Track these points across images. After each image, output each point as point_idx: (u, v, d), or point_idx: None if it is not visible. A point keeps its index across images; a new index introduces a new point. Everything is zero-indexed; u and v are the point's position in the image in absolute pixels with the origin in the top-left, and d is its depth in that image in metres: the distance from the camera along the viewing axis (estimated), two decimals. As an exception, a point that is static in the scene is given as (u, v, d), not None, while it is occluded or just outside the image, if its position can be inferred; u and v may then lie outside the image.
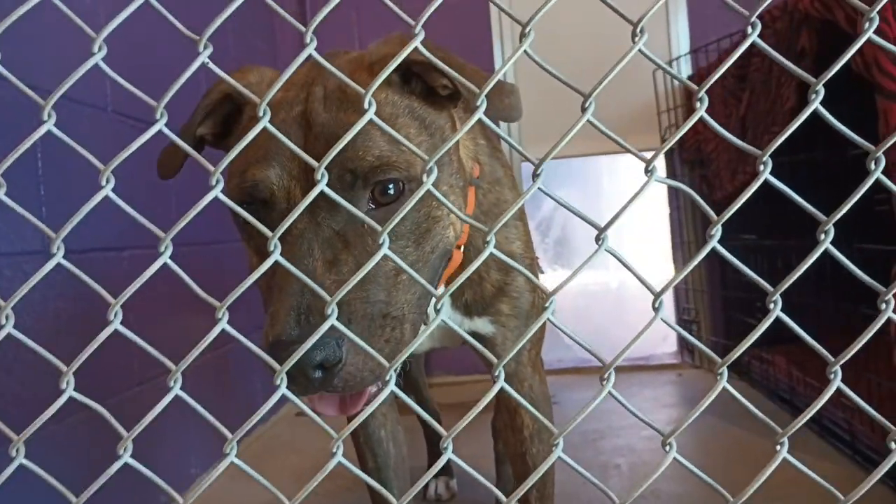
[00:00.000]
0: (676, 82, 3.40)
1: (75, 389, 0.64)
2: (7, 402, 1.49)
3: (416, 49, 0.64)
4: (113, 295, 0.63)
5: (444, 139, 0.93)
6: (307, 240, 0.80)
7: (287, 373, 0.63)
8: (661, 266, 3.94)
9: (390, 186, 0.84)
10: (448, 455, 0.62)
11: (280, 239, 0.63)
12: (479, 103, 0.62)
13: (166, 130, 0.63)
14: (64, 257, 0.64)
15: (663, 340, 3.81)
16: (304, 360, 0.69)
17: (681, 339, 3.62)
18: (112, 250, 1.91)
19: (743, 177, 2.68)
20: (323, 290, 0.63)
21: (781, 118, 2.28)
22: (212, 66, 0.63)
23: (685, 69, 3.44)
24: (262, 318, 0.85)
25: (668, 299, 3.98)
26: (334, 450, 0.61)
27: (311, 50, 0.61)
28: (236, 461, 0.62)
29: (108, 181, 0.64)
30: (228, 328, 0.62)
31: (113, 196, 0.64)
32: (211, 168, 0.61)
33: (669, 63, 3.39)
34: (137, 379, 1.93)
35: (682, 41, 3.49)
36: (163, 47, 2.01)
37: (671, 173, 3.51)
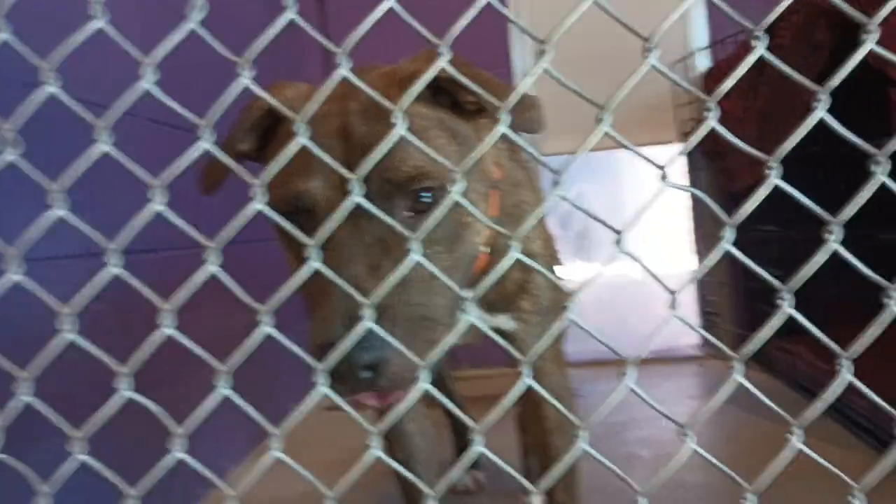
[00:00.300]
0: (696, 75, 3.40)
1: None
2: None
3: (447, 68, 0.68)
4: (155, 299, 0.68)
5: (472, 148, 0.96)
6: (349, 247, 0.84)
7: (336, 372, 0.68)
8: (683, 255, 3.96)
9: (426, 195, 0.89)
10: (479, 448, 0.66)
11: (323, 246, 0.66)
12: (501, 118, 0.66)
13: (212, 148, 0.67)
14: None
15: (686, 333, 3.82)
16: (355, 361, 0.74)
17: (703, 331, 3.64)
18: (148, 252, 1.97)
19: (759, 169, 2.68)
20: (367, 296, 0.67)
21: (801, 113, 2.29)
22: (253, 86, 0.67)
23: (702, 63, 3.44)
24: (296, 315, 0.89)
25: (691, 292, 3.99)
26: (371, 444, 0.65)
27: (345, 72, 0.65)
28: (282, 456, 0.66)
29: (157, 194, 0.68)
30: (272, 331, 0.67)
31: (163, 209, 0.69)
32: (255, 182, 0.65)
33: (686, 57, 3.39)
34: (169, 378, 1.99)
35: (699, 34, 3.49)
36: (197, 60, 2.06)
37: (690, 166, 3.52)
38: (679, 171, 3.63)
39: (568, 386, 1.38)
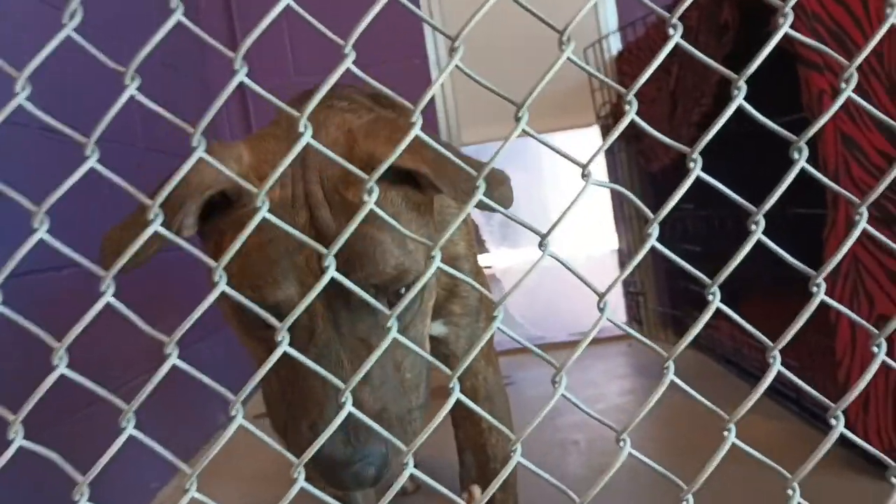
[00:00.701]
0: (608, 57, 3.44)
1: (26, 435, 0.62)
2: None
3: (405, 154, 0.68)
4: (58, 321, 0.62)
5: (430, 216, 0.96)
6: (334, 351, 0.81)
7: (337, 480, 0.72)
8: (605, 237, 4.02)
9: (403, 288, 0.86)
10: (409, 470, 0.63)
11: (304, 349, 0.68)
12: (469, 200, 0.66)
13: (101, 168, 0.61)
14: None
15: (613, 313, 3.87)
16: (363, 478, 0.76)
17: (630, 311, 3.70)
18: (50, 270, 1.86)
19: (676, 151, 2.73)
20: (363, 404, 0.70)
21: (710, 90, 2.34)
22: (140, 97, 0.61)
23: (614, 45, 3.48)
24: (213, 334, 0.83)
25: (615, 273, 4.05)
26: (295, 475, 0.61)
27: (241, 77, 0.60)
28: (197, 495, 0.62)
29: (41, 222, 0.62)
30: (181, 363, 0.62)
31: (46, 236, 0.62)
32: (212, 264, 0.61)
33: (598, 41, 3.43)
34: (74, 406, 1.89)
35: (609, 18, 3.53)
36: (90, 79, 1.96)
37: (608, 148, 3.55)
38: (599, 157, 3.68)
39: (500, 382, 1.38)
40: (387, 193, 0.88)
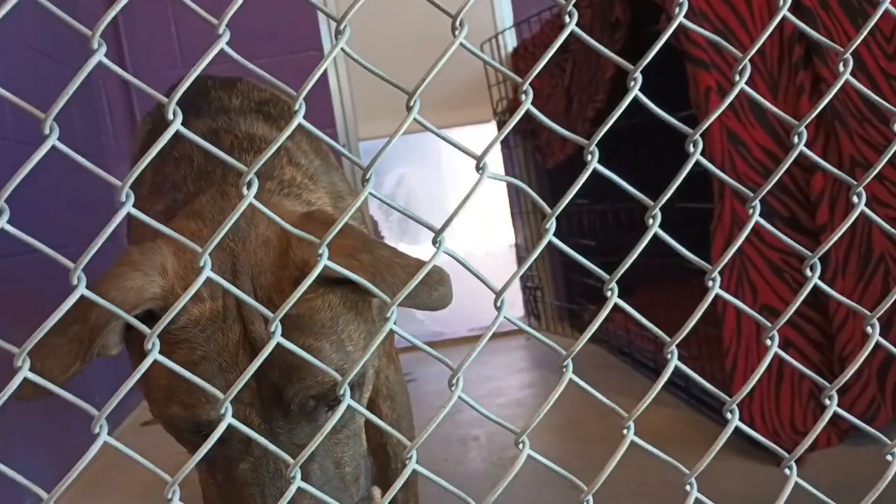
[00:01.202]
0: (504, 54, 3.46)
1: None
2: None
3: (341, 260, 0.68)
4: None
5: (367, 309, 0.92)
6: (272, 459, 0.79)
7: None
8: (502, 232, 4.05)
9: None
10: (297, 483, 0.59)
11: (243, 460, 0.71)
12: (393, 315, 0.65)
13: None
14: None
15: (510, 306, 3.91)
16: None
17: (527, 305, 3.74)
18: None
19: (573, 145, 2.77)
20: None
21: (603, 87, 2.37)
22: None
23: (510, 41, 3.51)
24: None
25: (513, 268, 4.09)
26: (169, 496, 0.56)
27: (100, 56, 0.54)
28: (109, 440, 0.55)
29: None
30: (32, 377, 0.55)
31: None
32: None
33: (495, 37, 3.44)
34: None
35: (505, 14, 3.55)
36: None
37: (504, 144, 3.58)
38: (494, 150, 3.69)
39: (402, 380, 1.36)
40: (324, 297, 0.85)
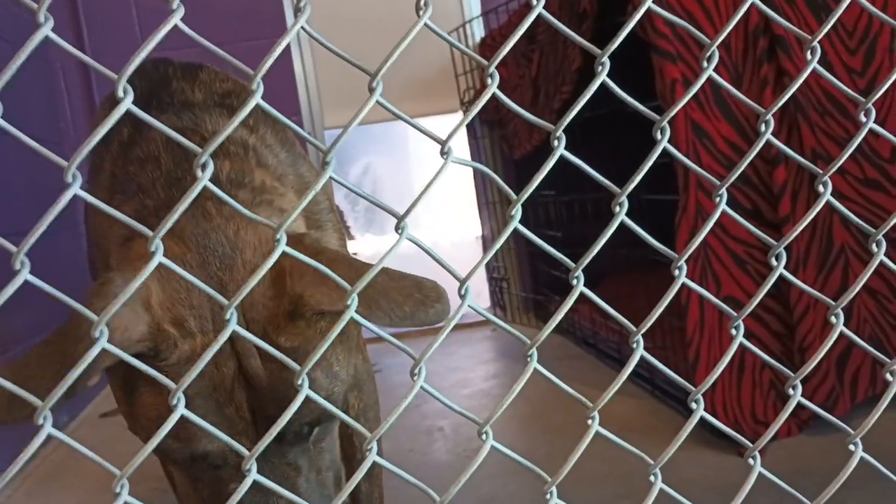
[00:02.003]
0: (473, 44, 3.44)
1: None
2: None
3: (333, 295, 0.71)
4: None
5: (356, 327, 0.93)
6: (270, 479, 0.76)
7: None
8: (468, 224, 4.04)
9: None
10: (252, 476, 0.57)
11: (234, 480, 0.71)
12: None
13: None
14: None
15: (476, 297, 3.91)
16: None
17: (493, 296, 3.74)
18: None
19: (540, 135, 2.77)
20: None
21: (570, 78, 2.37)
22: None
23: (478, 31, 3.49)
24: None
25: (477, 257, 4.09)
26: (117, 489, 0.54)
27: (47, 31, 0.51)
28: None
29: None
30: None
31: None
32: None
33: (462, 26, 3.42)
34: None
35: (473, 4, 3.53)
36: None
37: (471, 135, 3.57)
38: (460, 140, 3.68)
39: (369, 370, 1.35)
40: (316, 325, 0.83)
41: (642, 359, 2.28)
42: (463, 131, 3.54)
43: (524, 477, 1.85)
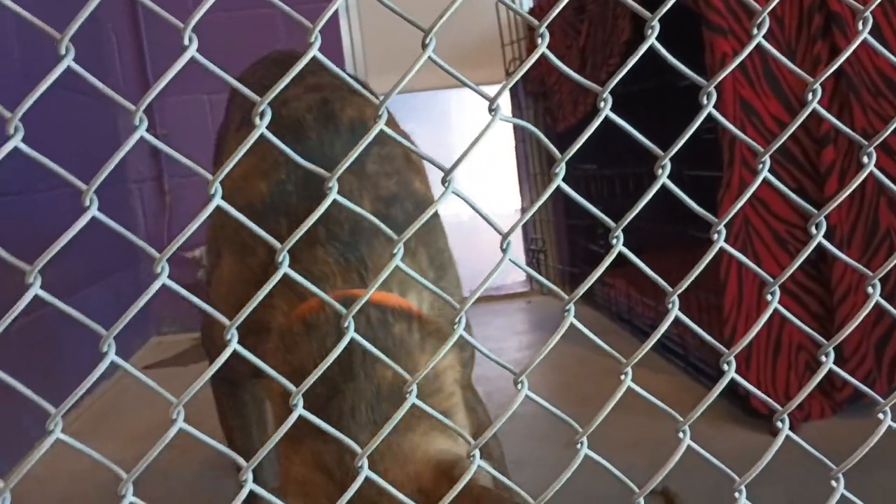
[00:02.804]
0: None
1: None
2: None
3: None
4: None
5: None
6: None
7: None
8: (509, 196, 4.04)
9: None
10: None
11: None
12: None
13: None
14: None
15: (513, 269, 3.93)
16: None
17: (529, 267, 3.75)
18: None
19: (584, 108, 2.76)
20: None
21: (618, 49, 2.35)
22: (26, 149, 0.54)
23: (526, 2, 3.46)
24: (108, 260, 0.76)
25: (517, 230, 4.09)
26: (174, 416, 0.57)
27: (142, 131, 0.53)
28: (62, 437, 0.56)
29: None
30: (43, 294, 0.56)
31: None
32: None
33: (511, -6, 3.40)
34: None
35: (523, -28, 3.50)
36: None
37: (515, 106, 3.56)
38: (504, 110, 3.67)
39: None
40: None
41: (676, 334, 2.26)
42: (508, 101, 3.53)
43: (552, 441, 1.88)
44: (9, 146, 0.55)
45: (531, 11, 3.40)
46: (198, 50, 0.58)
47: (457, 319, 0.62)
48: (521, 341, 2.96)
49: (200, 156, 1.71)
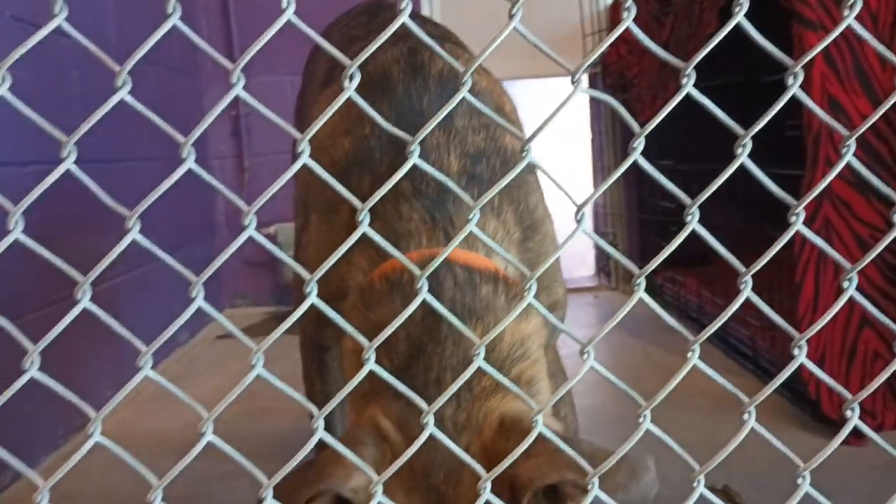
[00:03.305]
0: (602, 5, 3.38)
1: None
2: None
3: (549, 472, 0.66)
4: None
5: None
6: None
7: None
8: (582, 192, 4.02)
9: None
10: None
11: None
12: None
13: (76, 170, 0.59)
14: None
15: (581, 263, 3.91)
16: None
17: (598, 262, 3.72)
18: (13, 164, 1.80)
19: (663, 102, 2.71)
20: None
21: (703, 42, 2.30)
22: (132, 101, 0.58)
23: (610, -8, 3.43)
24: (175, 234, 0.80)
25: (587, 223, 4.07)
26: (253, 361, 0.60)
27: (238, 90, 0.57)
28: (151, 374, 0.60)
29: (3, 79, 0.59)
30: (140, 238, 0.60)
31: (8, 96, 0.59)
32: None
33: (595, -14, 3.37)
34: (45, 300, 1.86)
35: (607, -36, 3.47)
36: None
37: (593, 99, 3.52)
38: (582, 101, 3.65)
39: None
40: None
41: (747, 336, 2.21)
42: (586, 99, 3.50)
43: (612, 414, 1.86)
44: (115, 98, 0.59)
45: (613, 3, 3.37)
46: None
47: (527, 286, 0.63)
48: (587, 334, 2.91)
49: (281, 137, 1.75)
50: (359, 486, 0.72)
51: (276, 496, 0.63)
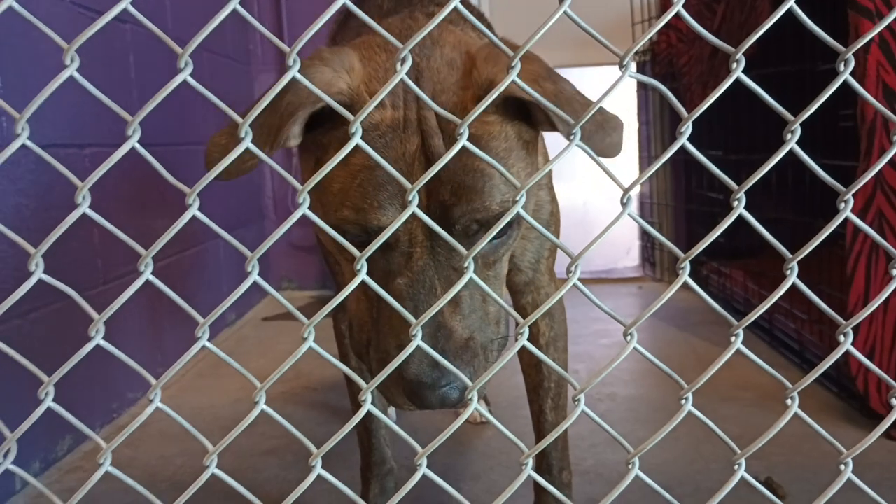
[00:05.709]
0: (652, -7, 3.34)
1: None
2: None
3: (517, 82, 0.66)
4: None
5: (535, 153, 0.92)
6: (429, 277, 0.81)
7: (422, 400, 0.78)
8: (628, 179, 3.98)
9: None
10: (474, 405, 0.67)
11: (399, 273, 0.76)
12: (574, 137, 0.65)
13: (141, 148, 0.61)
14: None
15: (626, 254, 3.88)
16: (448, 400, 0.79)
17: (643, 252, 3.69)
18: (72, 146, 1.87)
19: (711, 91, 2.68)
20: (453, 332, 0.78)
21: (755, 28, 2.27)
22: (194, 83, 0.61)
23: (661, -21, 3.38)
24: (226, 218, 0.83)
25: (633, 211, 4.03)
26: (305, 335, 0.62)
27: (294, 72, 0.59)
28: (208, 345, 0.63)
29: (72, 60, 0.62)
30: (199, 215, 0.62)
31: (77, 76, 0.62)
32: (299, 187, 0.64)
33: (646, -29, 3.32)
34: (102, 278, 1.92)
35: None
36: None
37: (642, 87, 3.49)
38: (629, 90, 3.62)
39: (560, 299, 1.37)
40: (503, 127, 0.85)
41: (793, 329, 2.18)
42: (634, 88, 3.47)
43: (652, 399, 1.85)
44: (177, 80, 0.61)
45: (664, -10, 3.32)
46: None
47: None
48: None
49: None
50: (345, 89, 0.83)
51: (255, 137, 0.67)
